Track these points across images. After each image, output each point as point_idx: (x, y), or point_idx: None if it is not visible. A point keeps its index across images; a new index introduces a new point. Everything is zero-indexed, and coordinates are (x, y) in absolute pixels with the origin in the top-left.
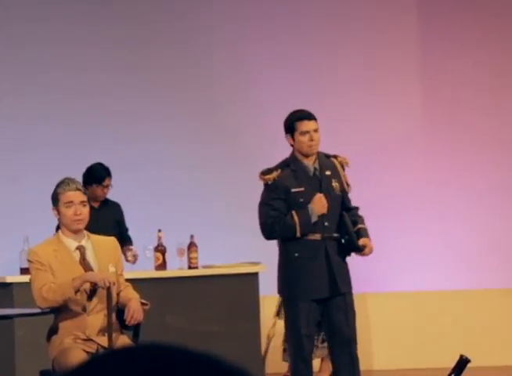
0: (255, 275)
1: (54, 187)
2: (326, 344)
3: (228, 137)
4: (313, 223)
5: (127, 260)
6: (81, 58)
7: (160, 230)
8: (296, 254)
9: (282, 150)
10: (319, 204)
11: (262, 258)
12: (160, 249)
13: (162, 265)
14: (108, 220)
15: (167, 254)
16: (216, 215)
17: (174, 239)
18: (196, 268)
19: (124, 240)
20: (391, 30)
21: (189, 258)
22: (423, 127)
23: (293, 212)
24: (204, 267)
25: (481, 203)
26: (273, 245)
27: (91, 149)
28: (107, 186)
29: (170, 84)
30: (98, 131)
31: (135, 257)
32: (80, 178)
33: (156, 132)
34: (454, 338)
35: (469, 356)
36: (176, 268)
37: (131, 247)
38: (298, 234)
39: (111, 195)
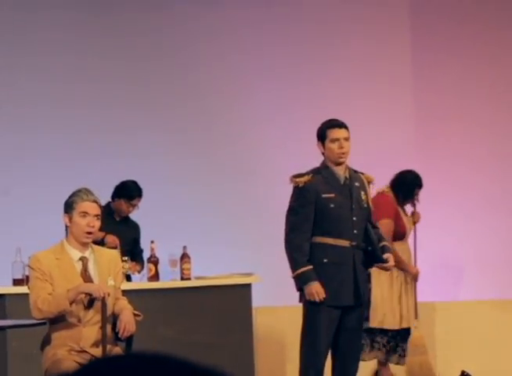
0: (248, 286)
1: (46, 200)
2: (387, 348)
3: (222, 150)
4: (342, 230)
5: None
6: (78, 69)
7: (152, 241)
8: (325, 260)
9: (276, 163)
10: (312, 290)
11: (255, 270)
12: (153, 260)
13: (155, 277)
14: (124, 235)
15: (159, 266)
16: (209, 226)
17: (166, 250)
18: (189, 279)
19: (136, 260)
20: (384, 41)
21: (182, 270)
22: (416, 138)
23: (311, 267)
24: (197, 278)
25: (475, 215)
26: (265, 256)
27: (85, 161)
28: (134, 206)
29: (164, 97)
30: (91, 143)
31: (133, 268)
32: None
33: (150, 145)
34: (455, 353)
35: (470, 372)
36: (169, 279)
37: (130, 262)
38: (292, 271)
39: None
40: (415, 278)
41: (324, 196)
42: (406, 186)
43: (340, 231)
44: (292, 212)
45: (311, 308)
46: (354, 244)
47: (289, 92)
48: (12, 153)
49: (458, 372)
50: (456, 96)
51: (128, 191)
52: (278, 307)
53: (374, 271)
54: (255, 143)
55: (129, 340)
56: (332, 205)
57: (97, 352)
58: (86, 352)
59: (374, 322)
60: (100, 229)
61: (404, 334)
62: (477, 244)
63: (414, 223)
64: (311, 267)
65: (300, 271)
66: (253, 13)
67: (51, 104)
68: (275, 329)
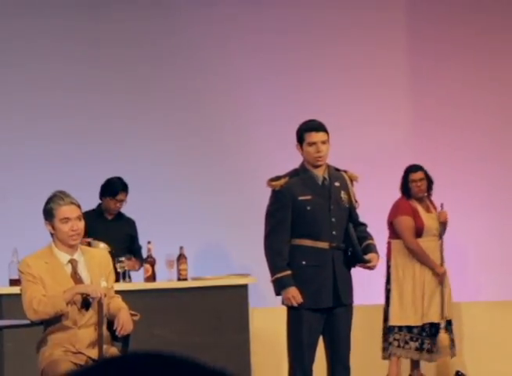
0: (244, 287)
1: (43, 201)
2: (409, 345)
3: (218, 151)
4: (320, 232)
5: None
6: (75, 75)
7: (149, 242)
8: (303, 263)
9: (272, 165)
10: (289, 294)
11: (252, 271)
12: (150, 261)
13: (151, 277)
14: (118, 233)
15: (156, 266)
16: (205, 227)
17: (163, 251)
18: (186, 280)
19: (135, 258)
20: (381, 44)
21: (179, 270)
22: (412, 140)
23: (290, 272)
24: (193, 279)
25: (470, 217)
26: (262, 257)
27: (84, 163)
28: (121, 201)
29: (159, 104)
30: (91, 146)
31: (133, 266)
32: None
33: (148, 148)
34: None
35: (465, 372)
36: (165, 280)
37: (132, 258)
38: (271, 275)
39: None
40: (441, 278)
41: (300, 198)
42: (402, 178)
43: (319, 233)
44: (269, 216)
45: (292, 311)
46: (333, 245)
47: (286, 97)
48: (8, 155)
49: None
50: (452, 100)
51: (111, 187)
52: (275, 308)
53: (393, 270)
54: (252, 145)
55: (126, 340)
56: (308, 207)
57: (93, 352)
58: (82, 353)
59: (392, 320)
60: (92, 230)
61: (429, 330)
62: (474, 245)
63: (441, 223)
64: (289, 272)
65: (277, 276)
66: (251, 18)
67: (46, 110)
68: (272, 330)
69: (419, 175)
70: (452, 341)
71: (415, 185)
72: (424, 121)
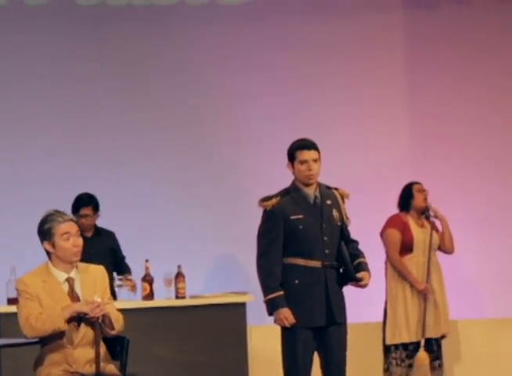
0: (243, 305)
1: (37, 215)
2: (405, 363)
3: (217, 168)
4: (313, 251)
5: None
6: (76, 93)
7: (147, 260)
8: (296, 281)
9: (271, 183)
10: (281, 315)
11: (250, 289)
12: (148, 279)
13: (149, 296)
14: (100, 249)
15: (154, 285)
16: (203, 245)
17: (161, 269)
18: (184, 298)
19: (122, 269)
20: (379, 63)
21: (177, 288)
22: (410, 158)
23: (282, 292)
24: (192, 297)
25: (468, 236)
26: None
27: (80, 182)
28: (86, 216)
29: (158, 121)
30: (86, 165)
31: (134, 287)
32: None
33: (145, 163)
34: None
35: None
36: (163, 298)
37: (129, 277)
38: (264, 295)
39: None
40: (423, 295)
41: (292, 217)
42: (404, 191)
43: (311, 252)
44: (261, 236)
45: (286, 331)
46: (326, 263)
47: (286, 115)
48: (7, 175)
49: None
50: (451, 118)
51: (74, 203)
52: (273, 326)
53: (388, 290)
54: (251, 163)
55: (124, 359)
56: (301, 226)
57: (90, 371)
58: (80, 372)
59: (387, 339)
60: None
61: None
62: (473, 262)
63: (439, 220)
64: (281, 293)
65: (270, 297)
66: (251, 36)
67: (45, 130)
68: (270, 348)
69: (423, 187)
70: (437, 359)
71: (420, 194)
72: (423, 139)
